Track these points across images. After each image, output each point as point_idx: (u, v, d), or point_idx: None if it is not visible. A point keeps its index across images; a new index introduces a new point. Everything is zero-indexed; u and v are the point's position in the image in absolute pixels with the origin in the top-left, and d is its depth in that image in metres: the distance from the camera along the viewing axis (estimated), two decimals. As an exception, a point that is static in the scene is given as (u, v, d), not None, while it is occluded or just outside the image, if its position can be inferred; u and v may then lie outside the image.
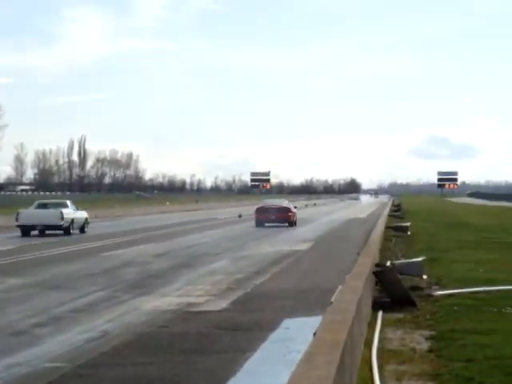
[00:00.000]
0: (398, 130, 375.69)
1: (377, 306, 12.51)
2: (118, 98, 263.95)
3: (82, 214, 36.90)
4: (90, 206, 72.50)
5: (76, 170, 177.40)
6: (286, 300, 14.16)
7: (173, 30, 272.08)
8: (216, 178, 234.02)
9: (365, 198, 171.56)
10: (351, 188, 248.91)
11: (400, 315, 11.98)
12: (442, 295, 13.80)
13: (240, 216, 55.23)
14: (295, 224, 42.07)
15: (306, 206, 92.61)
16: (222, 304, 13.72)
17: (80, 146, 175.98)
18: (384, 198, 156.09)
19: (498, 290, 14.23)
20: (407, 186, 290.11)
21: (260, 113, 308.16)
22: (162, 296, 14.74)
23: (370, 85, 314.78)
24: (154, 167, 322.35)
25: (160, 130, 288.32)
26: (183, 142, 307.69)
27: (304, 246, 27.02)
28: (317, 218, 54.73)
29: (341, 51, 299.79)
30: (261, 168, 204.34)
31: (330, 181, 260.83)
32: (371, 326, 11.01)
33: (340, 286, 11.35)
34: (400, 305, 12.60)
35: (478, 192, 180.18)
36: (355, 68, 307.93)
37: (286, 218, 41.66)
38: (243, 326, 11.65)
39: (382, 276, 13.25)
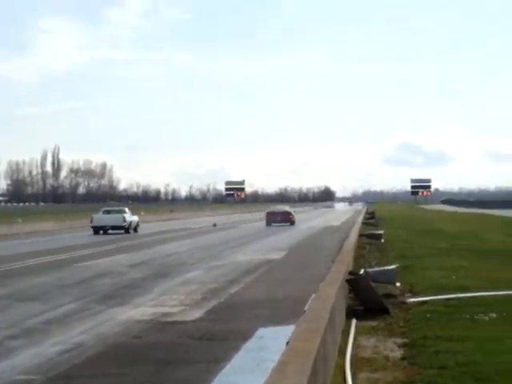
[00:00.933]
0: (371, 138, 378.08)
1: (350, 313, 12.55)
2: (92, 108, 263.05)
3: (135, 218, 49.54)
4: (64, 216, 72.22)
5: (50, 181, 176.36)
6: (260, 309, 14.18)
7: (147, 40, 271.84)
8: (190, 187, 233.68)
9: (339, 206, 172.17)
10: (325, 196, 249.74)
11: (373, 323, 12.04)
12: (415, 302, 13.88)
13: (215, 225, 55.21)
14: (294, 223, 56.87)
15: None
16: (197, 314, 13.72)
17: (53, 157, 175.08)
18: (358, 206, 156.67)
19: (470, 297, 14.34)
20: (381, 193, 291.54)
21: (234, 122, 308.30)
22: (137, 306, 14.70)
23: (343, 93, 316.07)
24: (128, 177, 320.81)
25: (134, 140, 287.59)
26: (157, 152, 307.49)
27: (278, 255, 27.06)
28: (290, 226, 54.79)
29: (314, 60, 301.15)
30: (235, 177, 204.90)
31: (304, 189, 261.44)
32: (345, 333, 11.05)
33: (313, 295, 11.40)
34: (373, 312, 12.65)
35: (451, 199, 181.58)
36: (328, 76, 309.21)
37: (288, 219, 57.49)
38: (217, 335, 11.65)
39: (355, 284, 13.30)
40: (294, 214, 60.13)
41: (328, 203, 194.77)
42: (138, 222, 49.84)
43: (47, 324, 12.83)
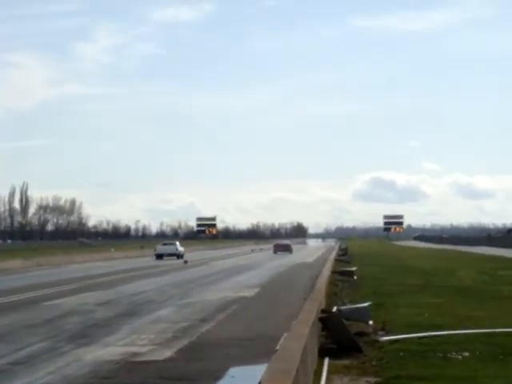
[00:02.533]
0: (344, 174, 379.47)
1: (323, 352, 12.42)
2: (61, 144, 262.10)
3: (183, 249, 69.15)
4: (32, 253, 71.46)
5: (18, 218, 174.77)
6: (232, 348, 13.99)
7: (116, 75, 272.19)
8: (161, 223, 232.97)
9: (312, 242, 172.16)
10: (298, 232, 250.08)
11: (346, 362, 11.91)
12: (387, 341, 13.78)
13: (186, 262, 54.86)
14: (292, 251, 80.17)
15: (253, 250, 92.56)
16: (167, 353, 13.49)
17: (22, 193, 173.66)
18: (331, 242, 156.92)
19: (443, 335, 14.28)
20: (354, 229, 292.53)
21: (205, 157, 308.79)
22: (106, 346, 14.44)
23: (314, 129, 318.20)
24: (97, 213, 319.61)
25: (104, 176, 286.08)
26: (127, 188, 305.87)
27: (250, 293, 26.86)
28: (263, 263, 54.64)
29: (284, 97, 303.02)
30: (206, 213, 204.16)
31: (276, 225, 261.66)
32: (317, 373, 10.91)
33: (286, 333, 11.25)
34: (346, 351, 12.53)
35: (424, 235, 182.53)
36: (300, 113, 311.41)
37: (288, 249, 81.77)
38: (188, 375, 11.45)
39: (328, 322, 13.18)
40: (291, 244, 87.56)
41: (301, 239, 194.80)
42: (184, 252, 68.29)
43: (13, 365, 12.53)
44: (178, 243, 71.88)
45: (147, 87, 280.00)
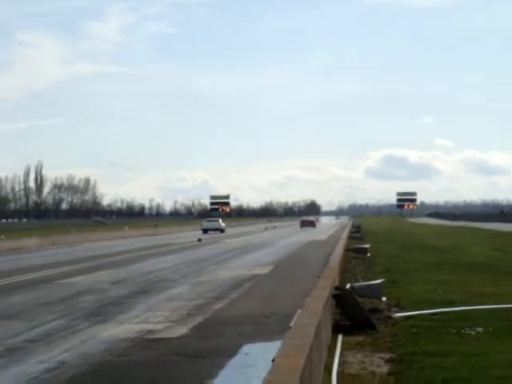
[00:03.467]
0: (356, 152, 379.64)
1: (337, 329, 12.48)
2: (75, 123, 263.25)
3: (224, 224, 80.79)
4: (47, 232, 71.88)
5: (33, 197, 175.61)
6: (246, 325, 14.07)
7: (128, 54, 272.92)
8: (175, 202, 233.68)
9: (325, 220, 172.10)
10: (311, 210, 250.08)
11: (360, 338, 11.96)
12: (401, 317, 13.82)
13: (200, 240, 55.06)
14: (315, 226, 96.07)
15: (266, 228, 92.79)
16: (182, 330, 13.58)
17: (36, 173, 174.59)
18: (344, 220, 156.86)
19: (457, 311, 14.31)
20: (367, 207, 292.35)
21: (218, 136, 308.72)
22: (121, 323, 14.54)
23: (327, 107, 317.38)
24: (112, 192, 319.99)
25: (118, 155, 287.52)
26: (141, 167, 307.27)
27: (263, 270, 26.95)
28: (276, 241, 54.75)
29: (298, 75, 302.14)
30: (220, 191, 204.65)
31: (289, 203, 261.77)
32: (331, 349, 10.97)
33: (299, 310, 11.30)
34: (360, 328, 12.58)
35: (437, 212, 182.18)
36: (312, 91, 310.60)
37: (313, 224, 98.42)
38: (202, 352, 11.53)
39: (341, 299, 13.23)
40: (316, 221, 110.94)
41: (314, 217, 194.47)
42: (224, 227, 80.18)
43: (30, 342, 12.65)
44: (220, 220, 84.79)
45: (159, 66, 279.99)
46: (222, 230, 78.01)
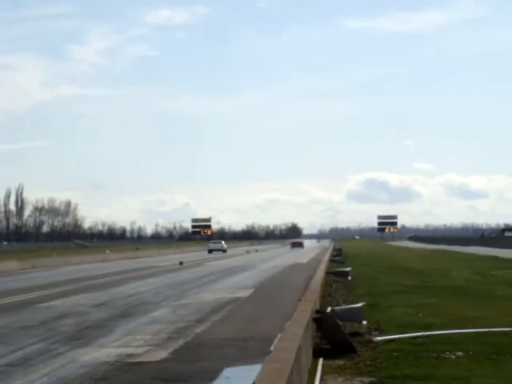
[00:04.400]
0: (337, 175, 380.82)
1: (317, 352, 12.49)
2: (56, 146, 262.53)
3: (226, 245, 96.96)
4: (28, 255, 71.40)
5: (13, 220, 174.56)
6: (227, 349, 14.05)
7: (110, 77, 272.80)
8: (156, 225, 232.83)
9: (306, 243, 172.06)
10: (293, 233, 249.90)
11: (340, 362, 11.98)
12: (381, 341, 13.85)
13: (181, 263, 54.91)
14: (303, 247, 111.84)
15: (248, 251, 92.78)
16: (162, 354, 13.54)
17: (17, 195, 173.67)
18: (325, 243, 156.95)
19: (437, 335, 14.36)
20: (348, 230, 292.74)
21: (199, 158, 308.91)
22: (101, 347, 14.47)
23: (307, 130, 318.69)
24: (93, 215, 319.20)
25: (99, 177, 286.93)
26: (122, 189, 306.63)
27: (245, 293, 26.92)
28: (258, 264, 54.70)
29: (276, 99, 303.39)
30: (201, 214, 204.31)
31: (271, 226, 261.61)
32: (312, 373, 10.97)
33: (280, 334, 11.31)
34: (340, 351, 12.60)
35: (418, 236, 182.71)
36: (293, 114, 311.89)
37: (301, 245, 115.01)
38: (183, 376, 11.50)
39: (322, 322, 13.25)
40: (305, 242, 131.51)
41: (295, 240, 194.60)
42: (226, 248, 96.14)
43: (9, 366, 12.55)
44: (223, 242, 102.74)
45: (141, 89, 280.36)
46: (224, 251, 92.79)
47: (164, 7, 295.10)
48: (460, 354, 12.32)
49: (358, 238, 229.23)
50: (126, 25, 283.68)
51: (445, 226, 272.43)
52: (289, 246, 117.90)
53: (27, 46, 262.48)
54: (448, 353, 12.38)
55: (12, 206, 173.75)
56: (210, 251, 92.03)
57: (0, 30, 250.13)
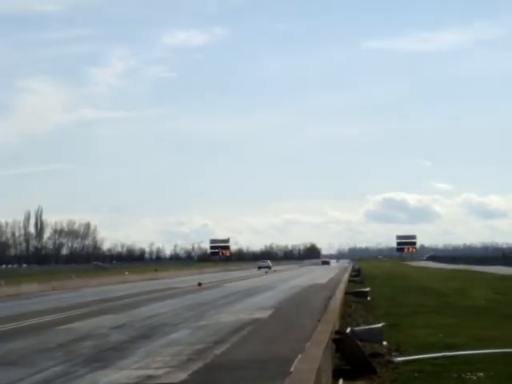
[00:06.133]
0: (356, 195, 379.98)
1: (337, 373, 12.44)
2: (75, 168, 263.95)
3: (271, 264, 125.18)
4: (48, 277, 71.63)
5: (33, 242, 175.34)
6: (247, 370, 14.01)
7: (128, 99, 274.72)
8: (175, 246, 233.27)
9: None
10: (311, 253, 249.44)
11: (361, 382, 11.93)
12: (401, 361, 13.78)
13: (200, 284, 54.90)
14: (330, 264, 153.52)
15: (266, 272, 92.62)
16: (182, 376, 13.53)
17: (37, 218, 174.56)
18: (344, 263, 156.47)
19: (458, 356, 14.26)
20: (367, 250, 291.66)
21: (217, 180, 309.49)
22: (121, 369, 14.48)
23: (325, 150, 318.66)
24: (112, 237, 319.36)
25: (117, 199, 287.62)
26: (141, 211, 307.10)
27: (264, 314, 26.86)
28: (277, 284, 54.58)
29: (296, 120, 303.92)
30: (219, 235, 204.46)
31: (289, 246, 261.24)
32: (332, 394, 10.92)
33: (299, 355, 11.28)
34: (360, 372, 12.54)
35: (437, 255, 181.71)
36: (311, 134, 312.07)
37: (328, 263, 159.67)
38: (203, 398, 11.47)
39: (341, 343, 13.21)
40: (331, 261, 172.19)
41: (314, 261, 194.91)
42: (271, 265, 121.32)
43: (29, 389, 12.60)
44: (269, 261, 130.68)
45: (159, 110, 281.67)
46: (269, 267, 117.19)
47: (181, 29, 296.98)
48: (481, 374, 12.23)
49: (381, 257, 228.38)
50: (143, 47, 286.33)
51: (464, 245, 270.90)
52: (307, 267, 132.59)
53: (46, 69, 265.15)
54: (469, 373, 12.29)
55: (32, 229, 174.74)
56: (259, 268, 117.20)
57: (19, 54, 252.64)
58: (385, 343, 16.07)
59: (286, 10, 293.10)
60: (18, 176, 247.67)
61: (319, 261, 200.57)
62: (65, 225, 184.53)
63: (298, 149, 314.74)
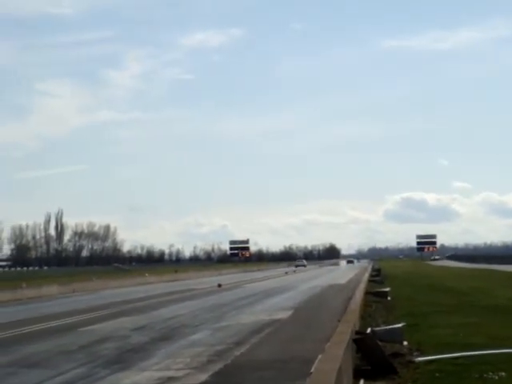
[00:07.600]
0: (375, 195, 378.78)
1: (358, 373, 12.42)
2: (94, 170, 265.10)
3: (306, 263, 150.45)
4: (68, 280, 71.99)
5: (53, 244, 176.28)
6: (267, 371, 14.01)
7: (146, 101, 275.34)
8: (195, 247, 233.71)
9: (344, 264, 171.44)
10: (331, 254, 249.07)
11: (381, 383, 11.89)
12: (422, 361, 13.73)
13: (219, 285, 54.95)
14: (354, 263, 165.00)
15: (286, 273, 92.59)
16: (202, 377, 13.55)
17: (57, 220, 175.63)
18: (364, 263, 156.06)
19: (479, 355, 14.19)
20: (386, 249, 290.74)
21: (236, 180, 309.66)
22: (142, 371, 14.53)
23: (343, 150, 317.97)
24: (131, 238, 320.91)
25: (137, 201, 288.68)
26: (160, 212, 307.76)
27: (284, 315, 26.85)
28: (296, 285, 54.54)
29: (314, 119, 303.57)
30: (239, 236, 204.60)
31: (309, 247, 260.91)
32: (353, 395, 10.91)
33: (320, 355, 11.26)
34: (381, 372, 12.51)
35: (457, 255, 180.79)
36: (330, 134, 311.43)
37: (353, 262, 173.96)
38: (223, 399, 11.48)
39: (362, 343, 13.19)
40: (355, 260, 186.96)
41: (334, 261, 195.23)
42: (307, 264, 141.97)
43: (51, 390, 12.67)
44: (304, 260, 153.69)
45: (176, 112, 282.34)
46: (305, 266, 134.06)
47: (199, 30, 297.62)
48: (503, 374, 12.16)
49: (402, 257, 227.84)
50: (161, 49, 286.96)
51: (485, 244, 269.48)
52: (326, 267, 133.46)
53: (64, 72, 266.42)
54: (491, 373, 12.22)
55: (52, 231, 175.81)
56: (297, 266, 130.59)
57: (38, 57, 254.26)
58: (405, 343, 16.02)
59: (300, 8, 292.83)
60: (38, 179, 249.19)
61: (338, 261, 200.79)
62: (85, 227, 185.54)
63: (317, 149, 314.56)
